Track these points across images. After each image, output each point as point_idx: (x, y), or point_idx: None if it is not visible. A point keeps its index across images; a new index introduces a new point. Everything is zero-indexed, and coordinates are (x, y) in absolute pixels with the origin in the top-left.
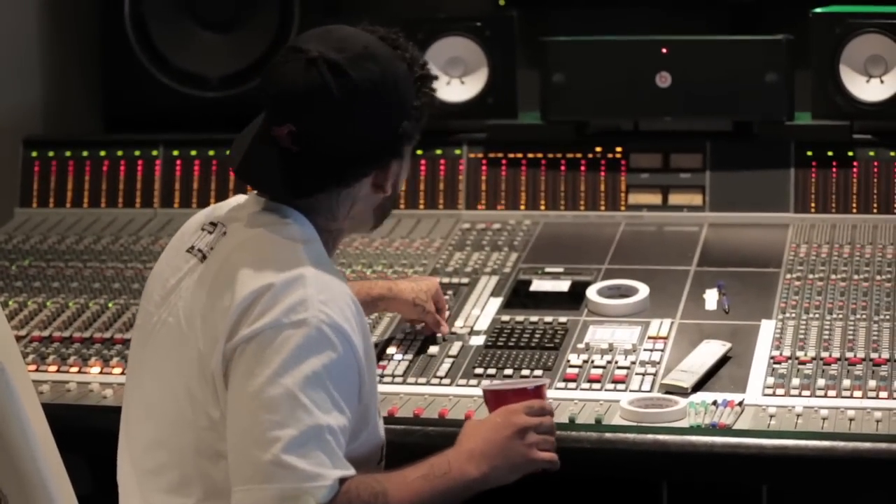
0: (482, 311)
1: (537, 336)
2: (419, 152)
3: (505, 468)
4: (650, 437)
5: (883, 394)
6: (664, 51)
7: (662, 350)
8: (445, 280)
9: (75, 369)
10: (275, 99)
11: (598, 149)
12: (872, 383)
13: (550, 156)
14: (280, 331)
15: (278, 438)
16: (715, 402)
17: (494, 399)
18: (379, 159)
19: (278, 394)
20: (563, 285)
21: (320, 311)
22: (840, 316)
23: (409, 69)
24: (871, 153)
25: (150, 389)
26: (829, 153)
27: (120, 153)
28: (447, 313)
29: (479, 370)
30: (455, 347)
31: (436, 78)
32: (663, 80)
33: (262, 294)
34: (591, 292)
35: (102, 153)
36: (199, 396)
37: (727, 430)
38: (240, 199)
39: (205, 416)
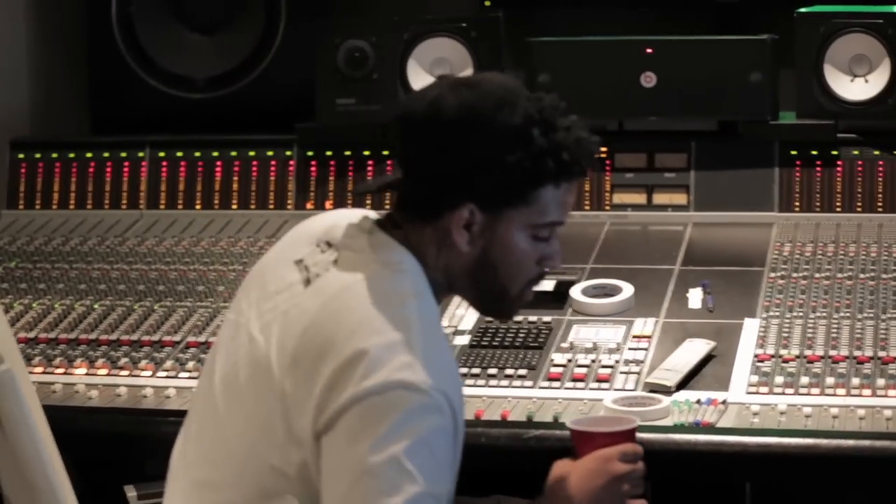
0: (467, 311)
1: (521, 335)
2: (385, 152)
3: None
4: None
5: (866, 391)
6: (649, 51)
7: (646, 349)
8: None
9: (61, 370)
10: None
11: None
12: (856, 381)
13: None
14: (387, 394)
15: None
16: (699, 401)
17: (585, 441)
18: (460, 189)
19: (383, 460)
20: (548, 285)
21: (428, 376)
22: (824, 314)
23: (530, 121)
24: (856, 152)
25: (221, 400)
26: (814, 152)
27: (106, 155)
28: None
29: (463, 370)
30: None
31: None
32: (648, 80)
33: (365, 355)
34: (576, 291)
35: (89, 155)
36: (274, 434)
37: (711, 429)
38: (356, 216)
39: (276, 455)
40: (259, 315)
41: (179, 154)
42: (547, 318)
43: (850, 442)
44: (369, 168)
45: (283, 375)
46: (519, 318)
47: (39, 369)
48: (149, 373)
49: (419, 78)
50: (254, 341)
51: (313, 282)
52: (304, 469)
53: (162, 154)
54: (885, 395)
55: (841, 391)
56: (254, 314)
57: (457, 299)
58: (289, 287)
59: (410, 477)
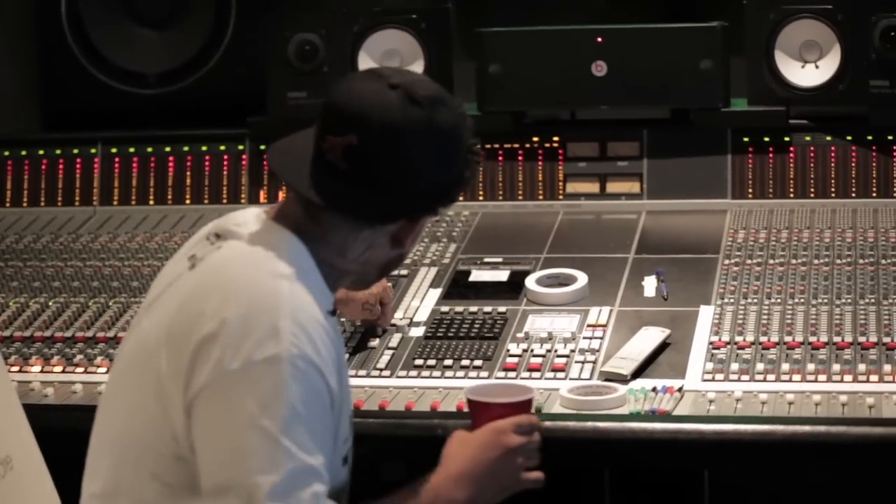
0: (422, 303)
1: (477, 326)
2: None
3: (492, 490)
4: (590, 424)
5: (822, 377)
6: (599, 40)
7: (602, 338)
8: None
9: (16, 368)
10: (343, 109)
11: (536, 138)
12: (811, 367)
13: (488, 146)
14: (251, 369)
15: (258, 486)
16: (654, 389)
17: (480, 411)
18: (414, 209)
19: (256, 437)
20: (502, 275)
21: (291, 345)
22: (778, 301)
23: (466, 136)
24: (808, 138)
25: (110, 391)
26: (766, 139)
27: (58, 151)
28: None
29: (419, 361)
30: (395, 339)
31: (480, 159)
32: (599, 69)
33: (227, 324)
34: (530, 281)
35: (41, 152)
36: (152, 417)
37: (667, 417)
38: (250, 212)
39: (152, 435)
40: (149, 308)
41: (132, 150)
42: (502, 309)
43: (806, 428)
44: None
45: (159, 352)
46: (474, 308)
47: None
48: (104, 369)
49: None
50: (139, 328)
51: (196, 266)
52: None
53: (114, 150)
54: (841, 381)
55: (796, 377)
56: (145, 310)
57: (412, 290)
58: (178, 277)
59: (287, 452)
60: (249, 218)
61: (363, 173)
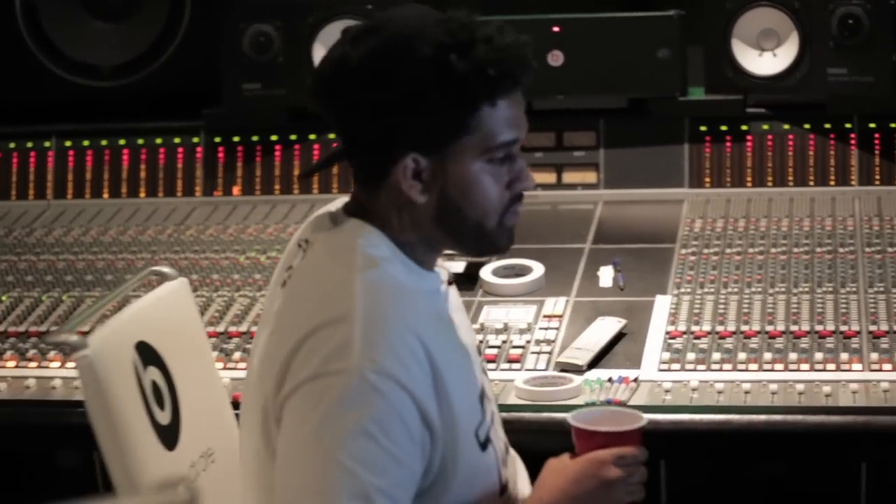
0: None
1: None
2: (312, 136)
3: None
4: (546, 415)
5: (778, 366)
6: (556, 29)
7: (557, 328)
8: None
9: None
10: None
11: None
12: (768, 356)
13: None
14: (318, 382)
15: None
16: (610, 379)
17: (582, 438)
18: (394, 141)
19: (317, 455)
20: (458, 266)
21: (364, 357)
22: (735, 290)
23: (443, 48)
24: (765, 127)
25: (241, 427)
26: (723, 128)
27: (12, 145)
28: None
29: None
30: None
31: (491, 44)
32: (555, 58)
33: (306, 339)
34: (486, 272)
35: None
36: (261, 450)
37: (623, 407)
38: (333, 204)
39: (264, 473)
40: (257, 336)
41: (86, 143)
42: None
43: (763, 417)
44: (277, 153)
45: (262, 381)
46: None
47: None
48: (57, 364)
49: None
50: (251, 363)
51: (287, 282)
52: None
53: (68, 143)
54: (798, 370)
55: (753, 366)
56: (258, 335)
57: None
58: (274, 298)
59: (348, 472)
60: (329, 213)
61: (341, 131)
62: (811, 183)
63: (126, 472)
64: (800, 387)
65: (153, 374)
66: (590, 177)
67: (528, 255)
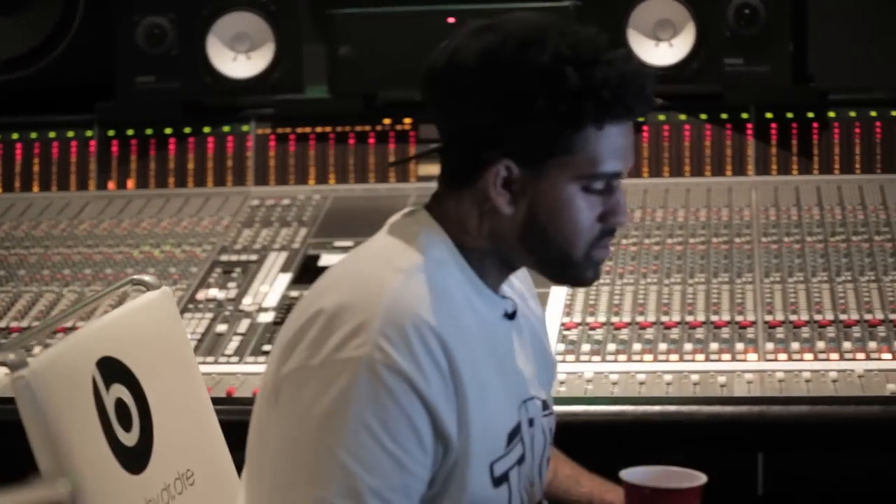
0: (271, 288)
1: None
2: (206, 129)
3: None
4: None
5: (674, 356)
6: (451, 20)
7: None
8: (234, 258)
9: None
10: None
11: (387, 121)
12: (663, 346)
13: (339, 129)
14: (325, 368)
15: (302, 499)
16: None
17: (634, 497)
18: (491, 143)
19: (313, 443)
20: None
21: (377, 349)
22: (631, 280)
23: (561, 59)
24: (662, 117)
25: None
26: None
27: None
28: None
29: (267, 347)
30: (243, 325)
31: (598, 64)
32: None
33: (319, 317)
34: None
35: None
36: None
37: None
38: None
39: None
40: None
41: None
42: None
43: (657, 408)
44: (171, 146)
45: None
46: None
47: None
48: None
49: (219, 54)
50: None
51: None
52: None
53: None
54: (693, 360)
55: (648, 357)
56: None
57: (261, 275)
58: None
59: (343, 468)
60: (413, 208)
61: (439, 133)
62: (708, 173)
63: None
64: (695, 377)
65: (119, 391)
66: None
67: None
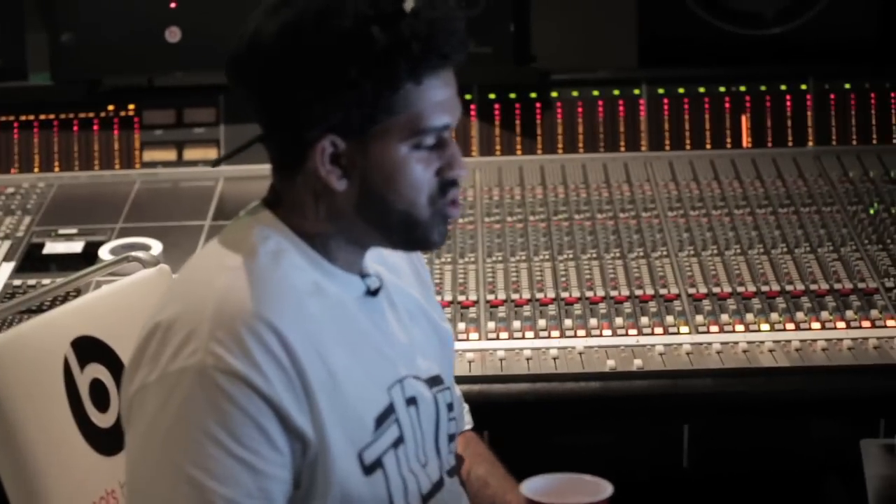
0: None
1: (50, 300)
2: None
3: None
4: None
5: (555, 332)
6: (173, 5)
7: None
8: None
9: None
10: None
11: (111, 107)
12: (542, 323)
13: (63, 116)
14: (162, 383)
15: None
16: None
17: None
18: (310, 122)
19: (161, 465)
20: (77, 246)
21: (208, 354)
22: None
23: (365, 20)
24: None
25: None
26: None
27: None
28: None
29: None
30: None
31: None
32: (173, 34)
33: (154, 333)
34: (104, 252)
35: None
36: None
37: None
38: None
39: None
40: None
41: None
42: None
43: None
44: None
45: None
46: (47, 281)
47: None
48: None
49: None
50: None
51: None
52: None
53: None
54: (574, 336)
55: (529, 334)
56: None
57: None
58: None
59: (191, 482)
60: (251, 204)
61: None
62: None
63: (19, 483)
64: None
65: (97, 371)
66: (210, 153)
67: (148, 233)
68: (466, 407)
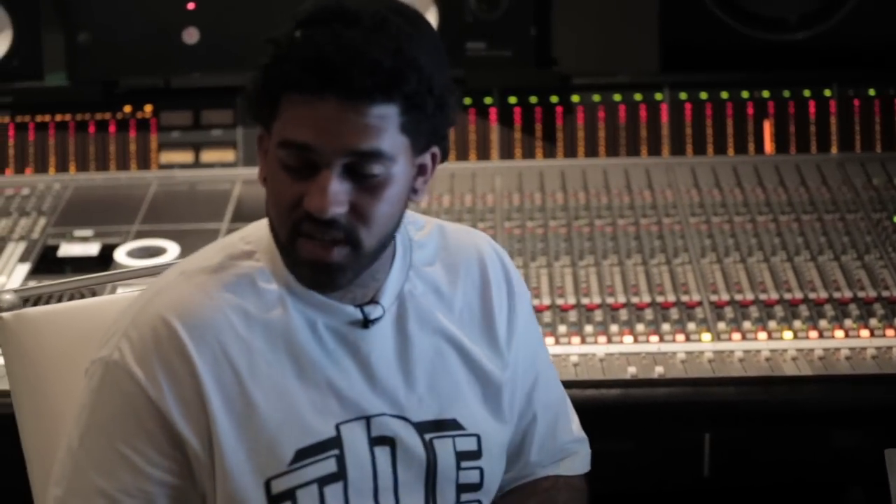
0: (9, 279)
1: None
2: None
3: None
4: None
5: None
6: (191, 6)
7: None
8: None
9: None
10: None
11: (128, 108)
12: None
13: (79, 117)
14: (88, 371)
15: (49, 497)
16: None
17: None
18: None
19: (64, 446)
20: (93, 248)
21: (115, 349)
22: None
23: (293, 23)
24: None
25: None
26: None
27: None
28: None
29: None
30: None
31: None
32: (190, 35)
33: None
34: (120, 254)
35: None
36: None
37: None
38: None
39: None
40: None
41: None
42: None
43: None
44: None
45: None
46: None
47: None
48: None
49: None
50: None
51: None
52: None
53: None
54: (595, 343)
55: (549, 340)
56: None
57: None
58: None
59: (77, 465)
60: None
61: None
62: (451, 159)
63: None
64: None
65: None
66: (227, 155)
67: (165, 235)
68: (582, 453)
